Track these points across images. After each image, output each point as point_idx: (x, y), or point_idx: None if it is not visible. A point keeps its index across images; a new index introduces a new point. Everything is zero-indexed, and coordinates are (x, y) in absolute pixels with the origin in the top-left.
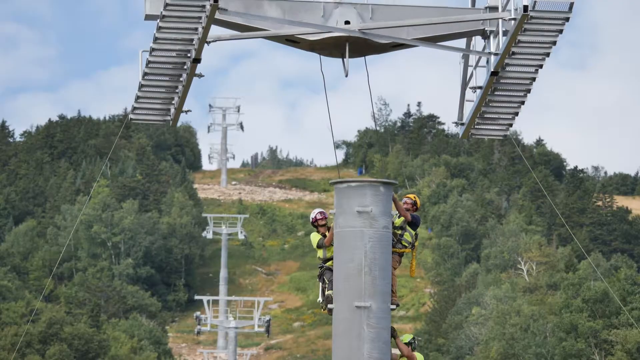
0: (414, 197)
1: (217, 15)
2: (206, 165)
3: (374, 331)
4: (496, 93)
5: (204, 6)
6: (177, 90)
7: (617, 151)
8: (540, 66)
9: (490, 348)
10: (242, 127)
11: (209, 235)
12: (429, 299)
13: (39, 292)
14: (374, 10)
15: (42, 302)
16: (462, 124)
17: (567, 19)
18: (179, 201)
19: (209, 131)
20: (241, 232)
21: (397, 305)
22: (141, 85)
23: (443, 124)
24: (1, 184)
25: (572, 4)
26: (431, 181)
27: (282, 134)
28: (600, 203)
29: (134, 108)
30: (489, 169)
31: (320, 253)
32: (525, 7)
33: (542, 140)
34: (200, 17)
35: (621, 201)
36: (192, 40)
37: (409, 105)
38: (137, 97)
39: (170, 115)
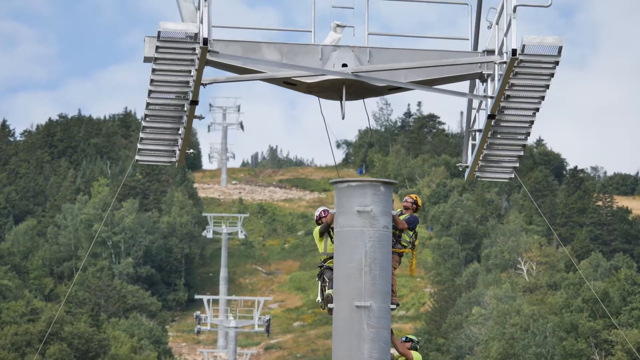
0: (415, 197)
1: (212, 58)
2: (206, 164)
3: (374, 331)
4: (497, 136)
5: (194, 49)
6: (179, 132)
7: (617, 151)
8: (537, 109)
9: (490, 348)
10: (242, 127)
11: (209, 235)
12: (429, 299)
13: (39, 291)
14: (371, 53)
15: (42, 302)
16: (467, 167)
17: (557, 63)
18: (179, 200)
19: (209, 130)
20: (241, 232)
21: (397, 305)
22: (143, 127)
23: (443, 123)
24: (1, 183)
25: (561, 48)
26: (431, 181)
27: (283, 133)
28: (600, 203)
29: (139, 149)
30: None
31: (321, 247)
32: (514, 51)
33: (542, 140)
34: (192, 60)
35: (621, 201)
36: (187, 82)
37: (409, 104)
38: (141, 139)
39: (175, 157)
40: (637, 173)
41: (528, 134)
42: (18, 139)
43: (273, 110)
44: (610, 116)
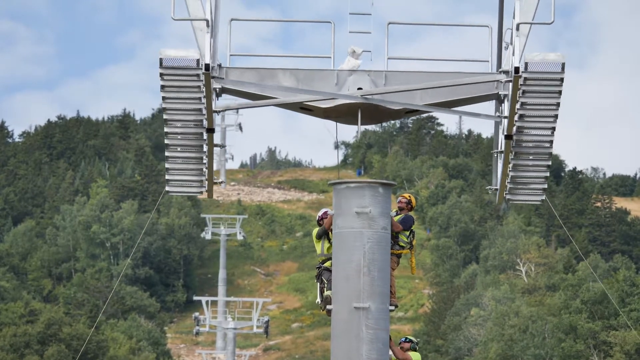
0: (409, 196)
1: (226, 85)
2: None
3: (372, 332)
4: (520, 157)
5: (197, 75)
6: (203, 161)
7: (616, 152)
8: (554, 128)
9: (489, 349)
10: (240, 128)
11: (208, 236)
12: (428, 300)
13: (37, 292)
14: (387, 76)
15: (41, 303)
16: (496, 189)
17: (562, 80)
18: (177, 202)
19: None
20: (240, 233)
21: (396, 306)
22: (167, 157)
23: (442, 125)
24: (0, 185)
25: (563, 64)
26: (430, 182)
27: (281, 134)
28: (599, 204)
29: (167, 180)
30: (487, 170)
31: (319, 249)
32: (517, 69)
33: None
34: (199, 87)
35: (620, 202)
36: (200, 109)
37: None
38: (167, 169)
39: (204, 187)
40: (636, 174)
41: (550, 154)
42: (17, 140)
43: (272, 111)
44: (610, 117)
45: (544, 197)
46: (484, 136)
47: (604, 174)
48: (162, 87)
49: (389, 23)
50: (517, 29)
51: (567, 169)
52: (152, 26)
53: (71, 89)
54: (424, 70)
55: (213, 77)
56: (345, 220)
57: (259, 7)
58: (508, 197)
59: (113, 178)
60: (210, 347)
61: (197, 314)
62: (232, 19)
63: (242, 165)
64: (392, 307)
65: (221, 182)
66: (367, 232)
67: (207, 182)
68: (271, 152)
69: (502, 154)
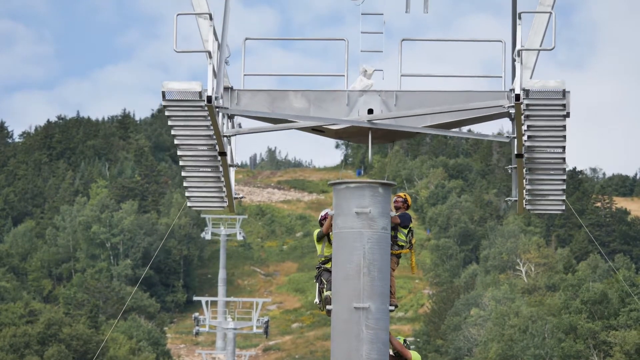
0: (404, 195)
1: (233, 113)
2: None
3: (372, 332)
4: (534, 173)
5: (201, 106)
6: (220, 180)
7: (616, 152)
8: (564, 147)
9: (489, 349)
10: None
11: (208, 236)
12: (428, 300)
13: (37, 293)
14: (398, 96)
15: (41, 304)
16: (515, 200)
17: (564, 105)
18: (177, 202)
19: None
20: (240, 233)
21: (396, 306)
22: (184, 177)
23: None
24: (0, 185)
25: (564, 91)
26: (429, 182)
27: (281, 134)
28: (599, 204)
29: (188, 197)
30: (487, 170)
31: (319, 249)
32: (517, 96)
33: None
34: (204, 116)
35: (620, 202)
36: (210, 135)
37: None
38: (186, 187)
39: (225, 201)
40: (636, 174)
41: (563, 169)
42: (16, 140)
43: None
44: (609, 117)
45: (563, 207)
46: None
47: (604, 174)
48: (169, 117)
49: (403, 40)
50: (519, 55)
51: (566, 169)
52: (151, 26)
53: (70, 88)
54: (435, 89)
55: (217, 108)
56: (345, 220)
57: (258, 6)
58: (528, 207)
59: (113, 178)
60: (210, 347)
61: (197, 314)
62: (246, 39)
63: (242, 166)
64: (392, 307)
65: (241, 197)
66: (367, 233)
67: (227, 197)
68: (271, 152)
69: (517, 170)
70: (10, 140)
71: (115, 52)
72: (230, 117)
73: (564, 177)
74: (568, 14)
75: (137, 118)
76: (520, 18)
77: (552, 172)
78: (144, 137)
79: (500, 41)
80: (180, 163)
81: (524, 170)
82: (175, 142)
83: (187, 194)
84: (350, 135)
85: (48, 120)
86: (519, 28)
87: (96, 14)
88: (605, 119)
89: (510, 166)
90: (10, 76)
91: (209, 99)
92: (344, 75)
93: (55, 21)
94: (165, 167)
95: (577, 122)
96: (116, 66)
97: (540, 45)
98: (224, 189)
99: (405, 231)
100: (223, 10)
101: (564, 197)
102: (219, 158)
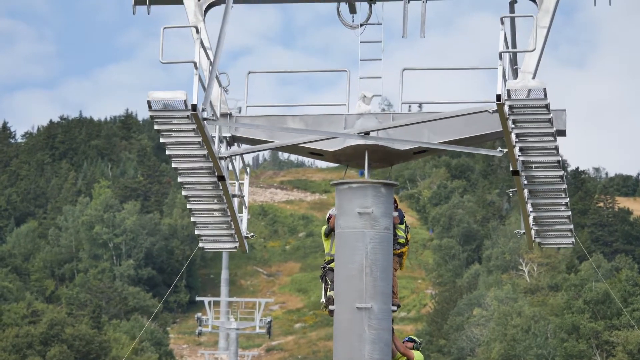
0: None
1: (234, 133)
2: None
3: (375, 332)
4: (536, 196)
5: (188, 116)
6: (227, 214)
7: (618, 152)
8: (558, 162)
9: (491, 349)
10: None
11: None
12: (430, 300)
13: (40, 293)
14: (394, 118)
15: (43, 304)
16: (524, 233)
17: (547, 106)
18: (180, 202)
19: None
20: None
21: (398, 306)
22: (190, 210)
23: None
24: (2, 185)
25: (545, 90)
26: (432, 182)
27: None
28: (601, 204)
29: (198, 235)
30: (489, 170)
31: (327, 247)
32: (498, 97)
33: None
34: (194, 130)
35: (622, 202)
36: (204, 155)
37: (410, 106)
38: (195, 224)
39: (236, 241)
40: (639, 174)
41: (564, 190)
42: (19, 140)
43: (273, 111)
44: (611, 116)
45: (573, 240)
46: None
47: (607, 173)
48: (158, 131)
49: (404, 69)
50: (500, 57)
51: (569, 169)
52: (152, 26)
53: (72, 88)
54: (430, 111)
55: (205, 120)
56: (348, 220)
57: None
58: (538, 240)
59: (115, 178)
60: (213, 347)
61: (199, 314)
62: (249, 72)
63: (245, 166)
64: (395, 307)
65: (252, 236)
66: (370, 233)
67: (236, 235)
68: (273, 153)
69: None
70: (12, 141)
71: (117, 51)
72: (230, 142)
73: (567, 200)
74: (569, 12)
75: (139, 118)
76: (503, 23)
77: (552, 194)
78: (146, 137)
79: (498, 68)
80: (184, 193)
81: (524, 192)
82: (173, 164)
83: (196, 231)
84: (348, 158)
85: (50, 121)
86: (501, 33)
87: (97, 12)
88: (607, 119)
89: (511, 190)
90: (12, 75)
91: (194, 107)
92: (345, 105)
93: (57, 20)
94: (167, 167)
95: (580, 121)
96: (118, 65)
97: (539, 48)
98: (232, 224)
99: (402, 227)
100: (221, 20)
101: (571, 227)
102: (220, 185)
